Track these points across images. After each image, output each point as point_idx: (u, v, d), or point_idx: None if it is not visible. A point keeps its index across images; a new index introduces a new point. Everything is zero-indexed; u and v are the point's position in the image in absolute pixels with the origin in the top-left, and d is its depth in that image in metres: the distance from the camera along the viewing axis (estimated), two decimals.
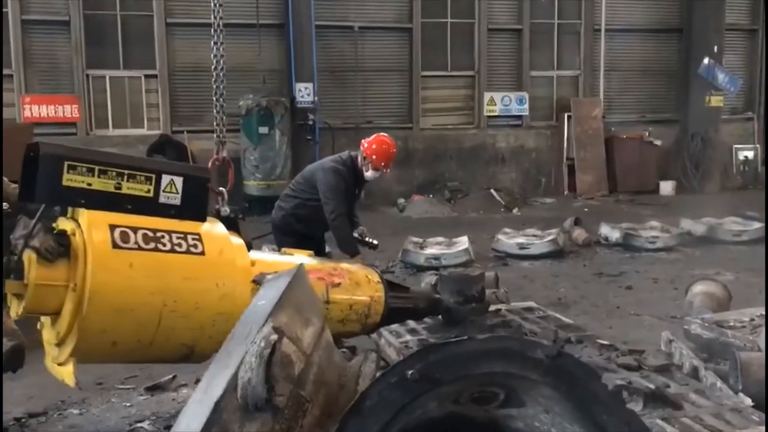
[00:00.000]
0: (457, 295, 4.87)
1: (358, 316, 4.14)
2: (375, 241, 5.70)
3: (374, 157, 5.42)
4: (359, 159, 5.50)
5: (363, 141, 5.60)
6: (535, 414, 2.06)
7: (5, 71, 12.12)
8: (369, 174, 5.48)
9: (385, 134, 5.83)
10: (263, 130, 12.41)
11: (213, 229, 3.66)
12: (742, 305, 5.30)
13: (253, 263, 3.74)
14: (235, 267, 3.52)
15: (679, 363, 4.06)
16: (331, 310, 4.00)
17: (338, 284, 4.07)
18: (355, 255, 5.12)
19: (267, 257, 4.22)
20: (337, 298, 4.02)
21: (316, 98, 13.12)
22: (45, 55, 12.70)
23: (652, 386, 3.53)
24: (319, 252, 5.02)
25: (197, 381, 3.88)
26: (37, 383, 4.79)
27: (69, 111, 12.64)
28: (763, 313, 4.72)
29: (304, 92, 13.04)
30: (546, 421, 2.05)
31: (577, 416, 1.96)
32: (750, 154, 15.82)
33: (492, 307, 5.26)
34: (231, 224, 3.92)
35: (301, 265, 2.40)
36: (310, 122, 13.01)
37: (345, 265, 4.41)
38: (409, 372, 1.84)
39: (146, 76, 13.16)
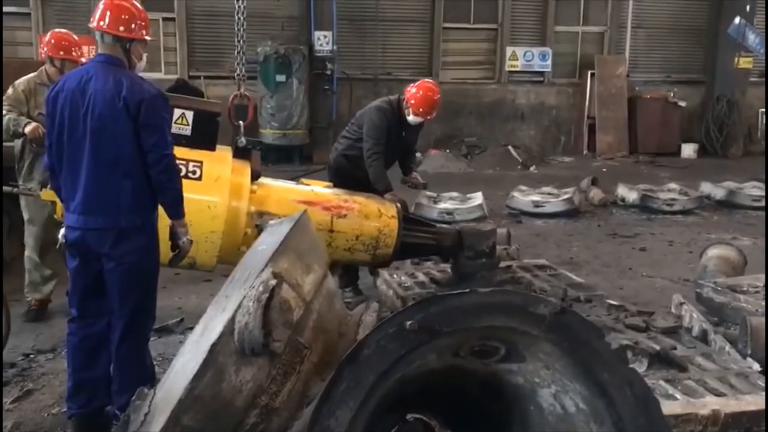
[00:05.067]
0: (468, 250, 4.86)
1: (366, 247, 4.54)
2: (424, 182, 5.94)
3: (413, 101, 5.33)
4: (404, 102, 5.43)
5: (410, 85, 5.53)
6: (536, 370, 2.03)
7: (23, 9, 12.05)
8: (410, 118, 5.37)
9: (432, 81, 5.82)
10: (280, 77, 12.26)
11: (218, 157, 4.10)
12: (758, 271, 5.23)
13: (253, 191, 4.17)
14: (228, 192, 4.00)
15: (689, 326, 4.03)
16: (336, 239, 4.43)
17: (344, 215, 4.45)
18: (385, 192, 5.07)
19: (273, 183, 4.51)
20: (341, 228, 4.44)
21: (334, 47, 12.86)
22: None
23: (657, 347, 3.50)
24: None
25: None
26: (46, 322, 4.88)
27: (86, 52, 12.51)
28: None
29: (323, 41, 12.80)
30: (546, 377, 2.02)
31: (578, 373, 1.93)
32: None
33: (503, 264, 5.25)
34: (244, 154, 4.31)
35: (304, 212, 2.37)
36: (328, 71, 12.81)
37: (360, 198, 4.62)
38: (408, 322, 1.80)
39: (164, 19, 12.99)
